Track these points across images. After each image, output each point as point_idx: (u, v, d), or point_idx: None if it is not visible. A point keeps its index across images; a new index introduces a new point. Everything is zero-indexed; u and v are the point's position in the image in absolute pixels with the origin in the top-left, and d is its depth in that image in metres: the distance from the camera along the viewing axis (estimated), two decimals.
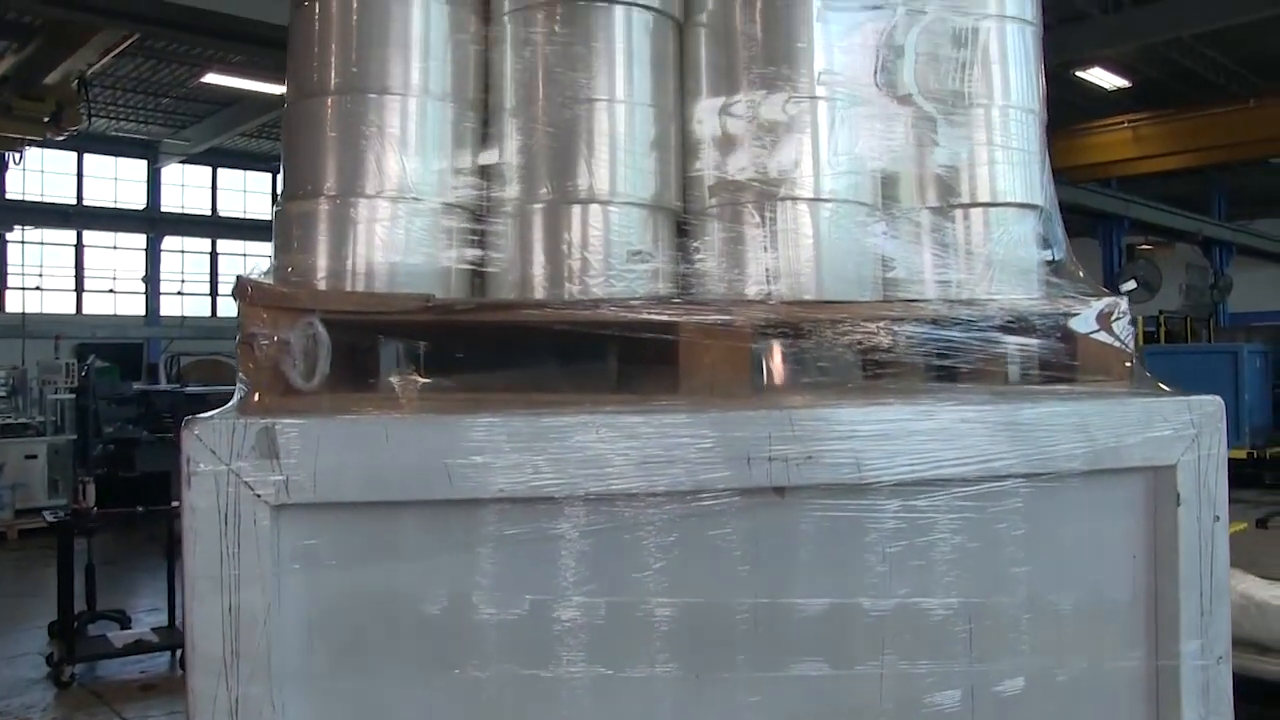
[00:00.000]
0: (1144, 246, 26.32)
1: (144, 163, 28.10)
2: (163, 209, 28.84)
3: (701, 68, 2.56)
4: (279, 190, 2.56)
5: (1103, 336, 2.50)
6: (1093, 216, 21.88)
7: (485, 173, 2.51)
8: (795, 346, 2.39)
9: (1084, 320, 2.55)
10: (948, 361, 2.45)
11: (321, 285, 2.37)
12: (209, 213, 29.83)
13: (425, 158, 2.44)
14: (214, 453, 1.96)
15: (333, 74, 2.46)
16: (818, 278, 2.45)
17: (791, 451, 2.11)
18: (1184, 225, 24.04)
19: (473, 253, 2.47)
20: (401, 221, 2.40)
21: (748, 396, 2.30)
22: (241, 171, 29.79)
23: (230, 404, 2.21)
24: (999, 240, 2.59)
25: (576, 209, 2.43)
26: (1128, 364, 2.55)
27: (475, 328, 2.30)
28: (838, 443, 2.14)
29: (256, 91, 20.05)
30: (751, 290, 2.44)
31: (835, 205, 2.47)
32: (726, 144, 2.49)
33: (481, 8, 2.58)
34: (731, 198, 2.48)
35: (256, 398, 2.17)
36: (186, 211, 29.40)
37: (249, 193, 29.99)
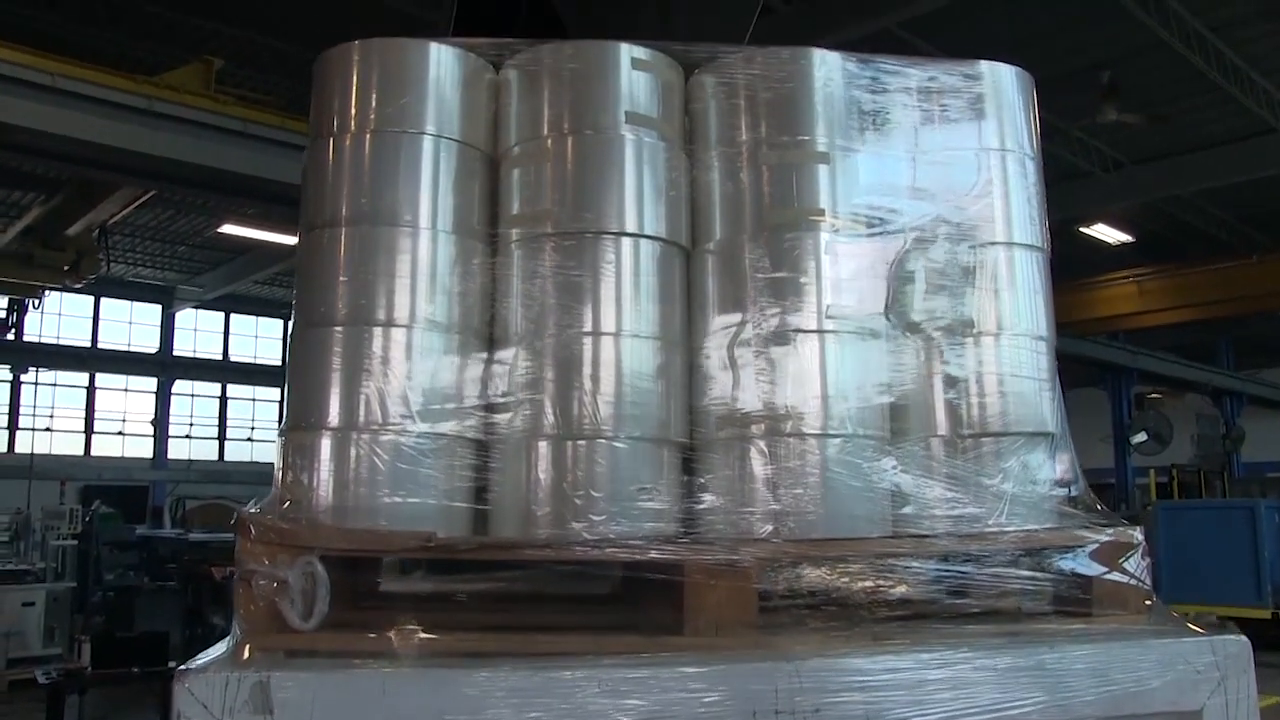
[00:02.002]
0: (1153, 395, 26.30)
1: (158, 307, 28.52)
2: (175, 353, 29.12)
3: (709, 297, 2.57)
4: (282, 419, 2.54)
5: (1117, 576, 2.44)
6: (1101, 368, 21.96)
7: (489, 405, 2.49)
8: (803, 586, 2.33)
9: (1098, 554, 2.49)
10: (959, 600, 2.40)
11: (322, 519, 2.33)
12: (220, 357, 30.10)
13: (428, 389, 2.42)
14: (206, 707, 1.90)
15: (339, 304, 2.47)
16: (825, 513, 2.41)
17: (801, 703, 2.04)
18: (1192, 376, 24.08)
19: (475, 487, 2.44)
20: (403, 455, 2.38)
21: (754, 637, 2.24)
22: (254, 317, 30.17)
23: (225, 648, 2.15)
24: (1010, 470, 2.55)
25: (582, 444, 2.41)
26: (1147, 601, 2.49)
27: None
28: (848, 694, 2.08)
29: (270, 241, 20.46)
30: (757, 527, 2.39)
31: (843, 440, 2.45)
32: (734, 376, 2.48)
33: (489, 238, 2.60)
34: (739, 431, 2.46)
35: (251, 644, 2.12)
36: (198, 356, 29.67)
37: (260, 338, 30.29)
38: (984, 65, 2.79)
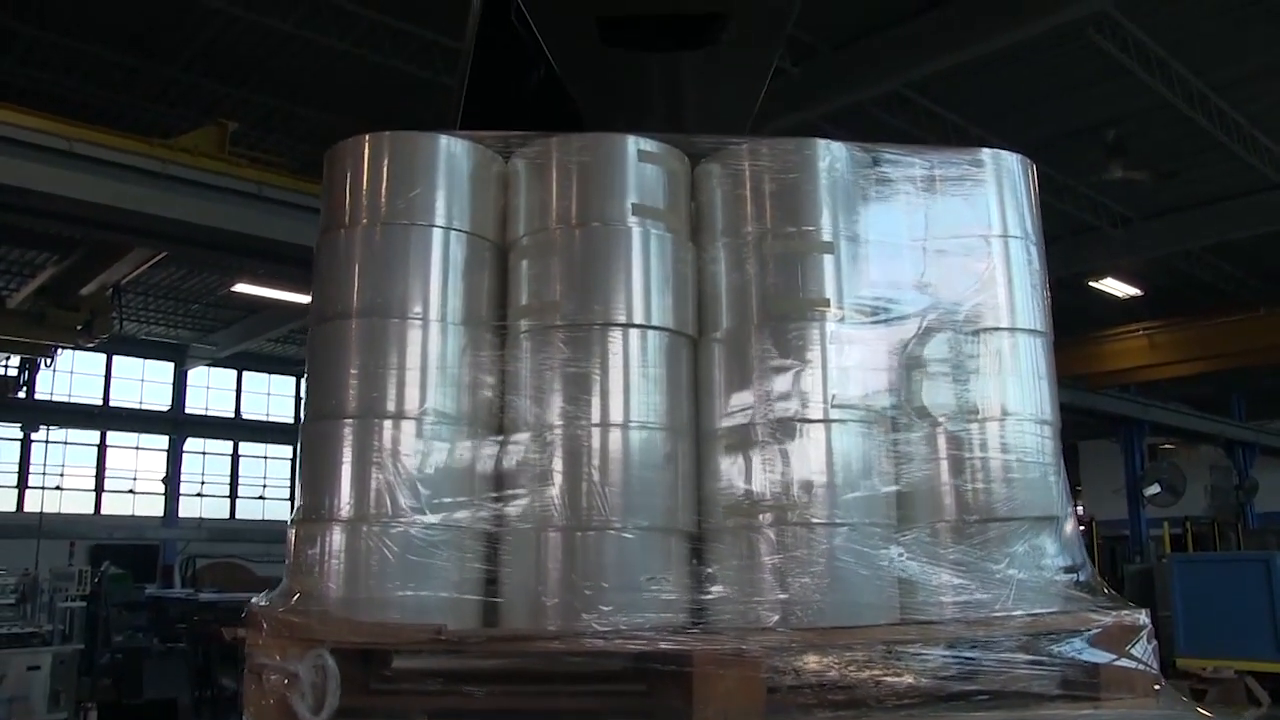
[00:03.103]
0: (1166, 447, 26.16)
1: (171, 365, 28.64)
2: (187, 410, 29.18)
3: (716, 386, 2.60)
4: (293, 511, 2.57)
5: (1125, 662, 2.44)
6: (1113, 420, 21.89)
7: (499, 496, 2.51)
8: (811, 675, 2.34)
9: (1104, 638, 2.50)
10: (967, 687, 2.39)
11: (332, 611, 2.35)
12: (232, 415, 30.15)
13: (438, 481, 2.45)
14: None
15: (350, 397, 2.50)
16: (833, 602, 2.41)
17: None
18: (1204, 428, 23.99)
19: (485, 578, 2.45)
20: (414, 546, 2.40)
21: None
22: (266, 375, 30.27)
23: None
24: (1017, 555, 2.56)
25: (591, 534, 2.43)
26: (1155, 685, 2.48)
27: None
28: None
29: (283, 300, 20.59)
30: (765, 616, 2.40)
31: (850, 528, 2.46)
32: (741, 466, 2.50)
33: (498, 329, 2.64)
34: (746, 521, 2.48)
35: None
36: (210, 413, 29.72)
37: (272, 395, 30.37)
38: (986, 153, 2.84)
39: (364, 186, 2.66)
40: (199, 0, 11.22)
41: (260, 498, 30.04)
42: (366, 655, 2.43)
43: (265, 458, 29.70)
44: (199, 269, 21.38)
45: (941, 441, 2.62)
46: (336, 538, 2.42)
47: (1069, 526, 2.68)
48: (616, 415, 2.49)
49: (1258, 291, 18.77)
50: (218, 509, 30.21)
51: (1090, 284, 17.99)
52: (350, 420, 2.49)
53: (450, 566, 2.43)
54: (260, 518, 29.14)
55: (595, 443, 2.48)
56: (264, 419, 30.34)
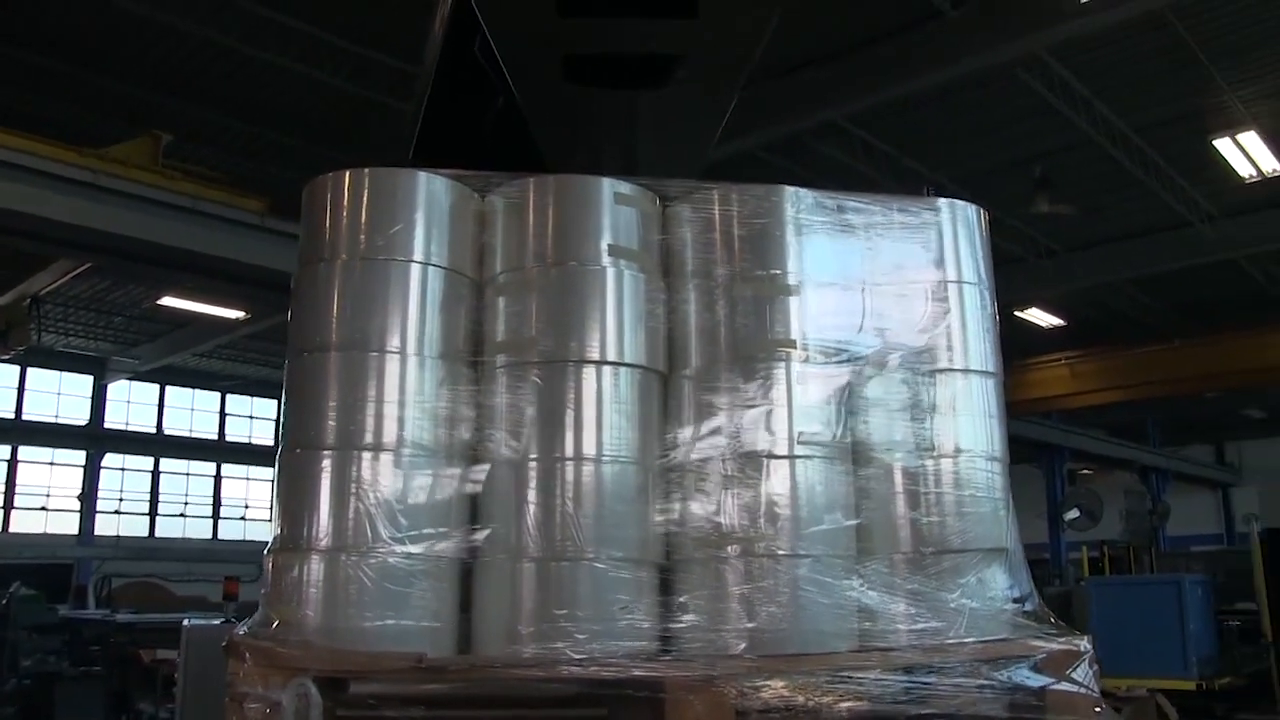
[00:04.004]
0: (1085, 472, 26.90)
1: (90, 378, 27.89)
2: (106, 425, 28.43)
3: (685, 422, 2.69)
4: (271, 540, 2.60)
5: (1065, 686, 2.59)
6: (1035, 446, 22.50)
7: (473, 527, 2.57)
8: (776, 699, 2.43)
9: (1050, 663, 2.64)
10: (924, 710, 2.51)
11: (312, 639, 2.39)
12: (154, 430, 29.44)
13: (415, 512, 2.51)
14: None
15: (329, 428, 2.55)
16: (797, 630, 2.52)
17: None
18: (1121, 454, 24.76)
19: (459, 606, 2.51)
20: (391, 575, 2.45)
21: None
22: (190, 390, 29.64)
23: None
24: (969, 586, 2.69)
25: (565, 564, 2.50)
26: (1096, 709, 2.63)
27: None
28: None
29: (212, 315, 20.23)
30: (733, 644, 2.49)
31: (813, 560, 2.57)
32: (709, 499, 2.60)
33: (473, 363, 2.70)
34: (713, 552, 2.57)
35: None
36: (130, 429, 28.98)
37: (196, 411, 29.75)
38: (943, 202, 2.99)
39: (344, 220, 2.72)
40: (134, 11, 11.07)
41: (181, 515, 29.38)
42: (341, 683, 2.47)
43: (188, 474, 29.04)
44: (124, 281, 20.91)
45: (898, 477, 2.75)
46: (315, 567, 2.47)
47: (1016, 558, 2.82)
48: (590, 449, 2.57)
49: (1174, 324, 19.45)
50: (136, 527, 29.45)
51: (1015, 313, 18.52)
52: (329, 451, 2.53)
53: (427, 595, 2.48)
54: (181, 536, 28.48)
55: (570, 475, 2.56)
56: (187, 435, 29.68)
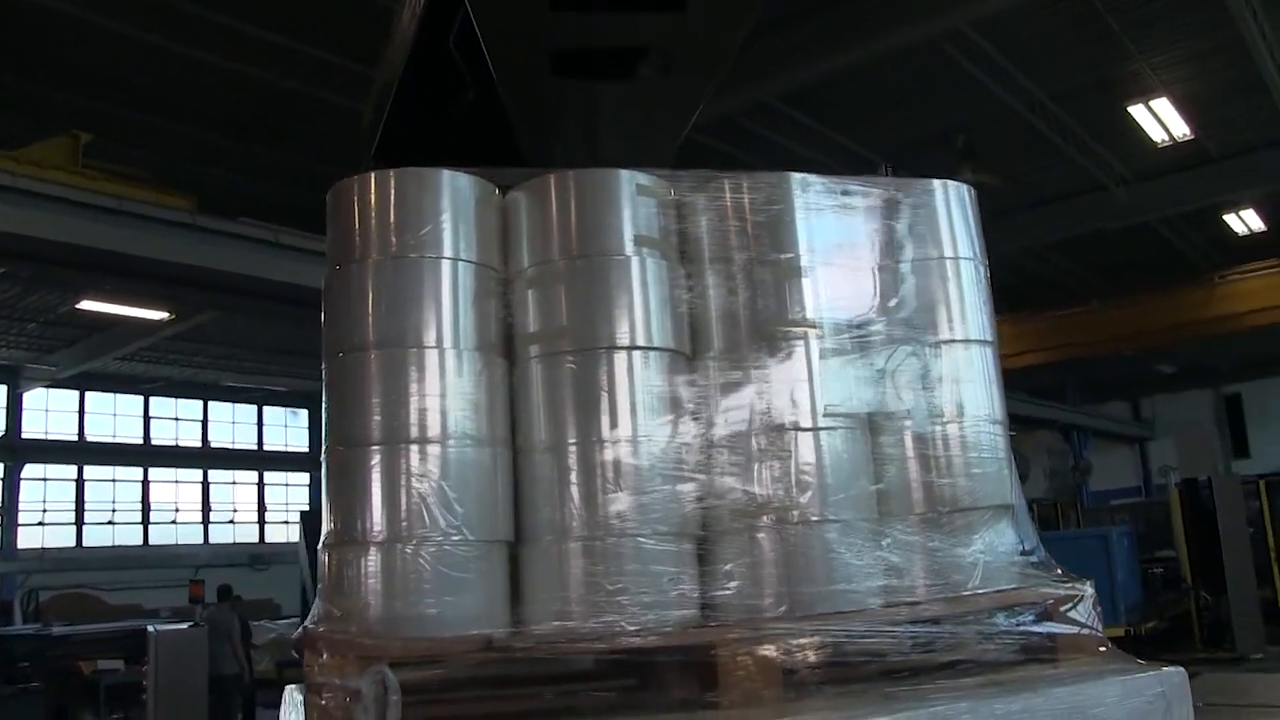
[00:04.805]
0: (1009, 433, 27.71)
1: (3, 388, 27.04)
2: (24, 435, 27.60)
3: (713, 397, 2.82)
4: (322, 534, 2.68)
5: (1073, 628, 2.80)
6: None
7: (521, 511, 2.68)
8: (817, 656, 2.60)
9: (1059, 607, 2.85)
10: (950, 656, 2.70)
11: (376, 629, 2.47)
12: (75, 438, 28.67)
13: (466, 499, 2.60)
14: None
15: (375, 424, 2.63)
16: (831, 590, 2.68)
17: None
18: (1044, 414, 25.56)
19: (511, 588, 2.62)
20: (448, 562, 2.54)
21: (782, 706, 2.49)
22: (112, 395, 28.90)
23: None
24: (981, 540, 2.88)
25: (610, 541, 2.62)
26: (1101, 647, 2.85)
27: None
28: None
29: (133, 317, 19.74)
30: (772, 607, 2.64)
31: (843, 524, 2.74)
32: (742, 472, 2.74)
33: (506, 353, 2.81)
34: (750, 522, 2.72)
35: None
36: (51, 437, 28.18)
37: (119, 416, 29.04)
38: (936, 183, 3.17)
39: (373, 221, 2.79)
40: (53, 8, 10.79)
41: (110, 523, 28.68)
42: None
43: (114, 481, 28.36)
44: (38, 286, 20.29)
45: (912, 443, 2.93)
46: (373, 558, 2.55)
47: (1021, 513, 3.02)
48: (626, 430, 2.69)
49: (1092, 286, 20.14)
50: (62, 537, 28.68)
51: None
52: (377, 446, 2.61)
53: (481, 579, 2.59)
54: (110, 544, 27.82)
55: (609, 456, 2.67)
56: (110, 440, 28.94)
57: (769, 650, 2.53)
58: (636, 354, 2.75)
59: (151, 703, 7.91)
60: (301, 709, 2.85)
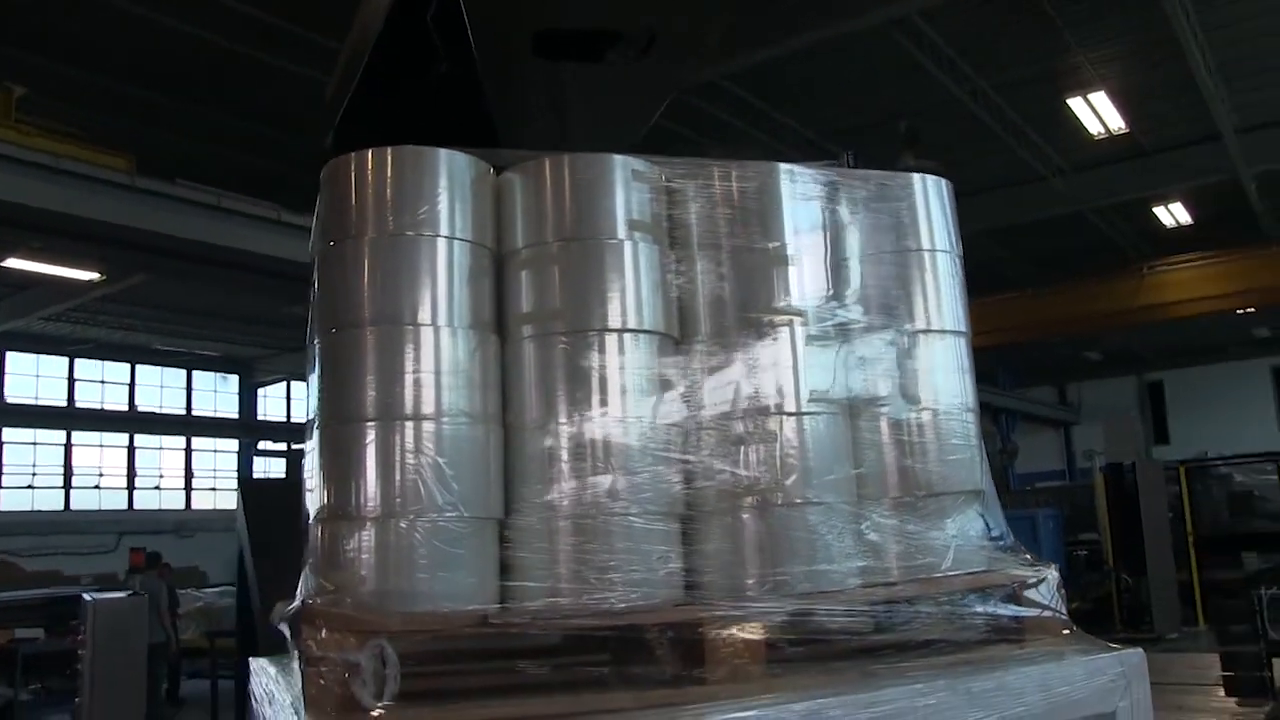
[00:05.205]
0: None
1: None
2: None
3: (701, 384, 2.88)
4: (313, 508, 2.69)
5: (1040, 610, 2.93)
6: None
7: (513, 489, 2.72)
8: (799, 633, 2.68)
9: (1025, 590, 2.98)
10: (925, 635, 2.81)
11: (370, 602, 2.50)
12: None
13: (458, 477, 2.63)
14: None
15: (369, 399, 2.65)
16: (812, 570, 2.77)
17: None
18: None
19: (502, 563, 2.66)
20: (439, 539, 2.58)
21: (766, 681, 2.57)
22: (34, 356, 28.13)
23: None
24: (953, 524, 2.99)
25: (601, 519, 2.67)
26: (1065, 630, 2.98)
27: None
28: None
29: (61, 277, 19.21)
30: (757, 586, 2.73)
31: (824, 507, 2.83)
32: (728, 454, 2.81)
33: (499, 332, 2.84)
34: (734, 503, 2.79)
35: None
36: None
37: (42, 378, 28.29)
38: (914, 177, 3.26)
39: (369, 199, 2.79)
40: None
41: (29, 487, 27.98)
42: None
43: (34, 444, 27.66)
44: None
45: (890, 429, 3.03)
46: (368, 533, 2.58)
47: (990, 498, 3.14)
48: (615, 410, 2.74)
49: (1027, 274, 20.60)
50: None
51: None
52: (372, 422, 2.63)
53: (473, 555, 2.63)
54: (29, 508, 27.15)
55: (598, 434, 2.72)
56: (32, 403, 28.18)
57: (754, 627, 2.60)
58: (628, 336, 2.80)
59: (87, 674, 7.76)
60: (277, 681, 2.88)
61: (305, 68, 12.23)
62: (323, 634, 2.37)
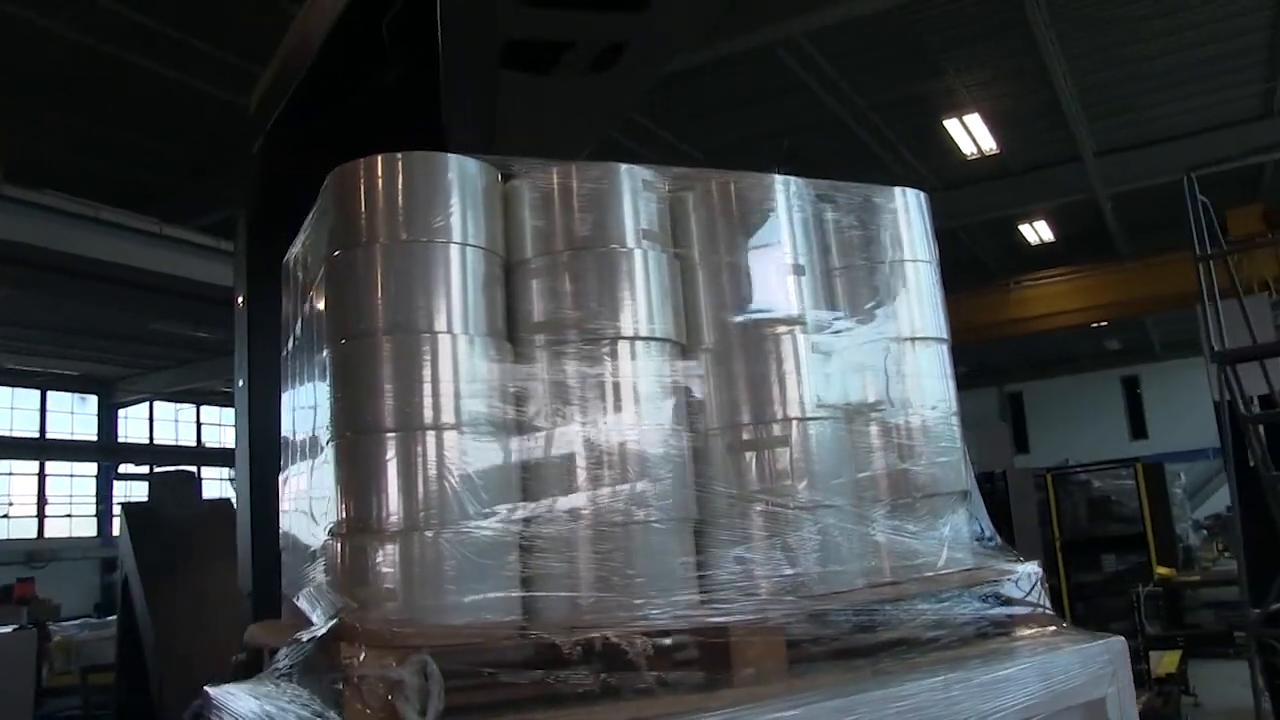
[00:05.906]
0: None
1: None
2: None
3: (710, 392, 2.92)
4: (335, 524, 2.62)
5: (1028, 606, 3.07)
6: None
7: (533, 497, 2.69)
8: (815, 635, 2.74)
9: (1019, 584, 3.11)
10: (930, 632, 2.90)
11: (399, 617, 2.45)
12: None
13: (481, 486, 2.60)
14: None
15: (387, 409, 2.60)
16: (825, 572, 2.84)
17: None
18: None
19: (522, 575, 2.64)
20: (464, 550, 2.54)
21: (789, 682, 2.62)
22: None
23: None
24: (947, 524, 3.11)
25: (619, 529, 2.68)
26: (1051, 624, 3.12)
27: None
28: None
29: None
30: (775, 589, 2.77)
31: (835, 510, 2.90)
32: (738, 460, 2.86)
33: (513, 340, 2.82)
34: (746, 508, 2.84)
35: None
36: None
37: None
38: (896, 190, 3.38)
39: (380, 205, 2.74)
40: None
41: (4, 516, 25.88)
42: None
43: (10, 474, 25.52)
44: None
45: (887, 434, 3.12)
46: (393, 546, 2.52)
47: (975, 498, 3.27)
48: (630, 417, 2.76)
49: (956, 281, 21.44)
50: None
51: None
52: (391, 434, 2.58)
53: (499, 566, 2.59)
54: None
55: (614, 441, 2.73)
56: None
57: (775, 630, 2.65)
58: (639, 344, 2.82)
59: None
60: (277, 706, 2.79)
61: (186, 75, 11.84)
62: (365, 651, 2.30)
